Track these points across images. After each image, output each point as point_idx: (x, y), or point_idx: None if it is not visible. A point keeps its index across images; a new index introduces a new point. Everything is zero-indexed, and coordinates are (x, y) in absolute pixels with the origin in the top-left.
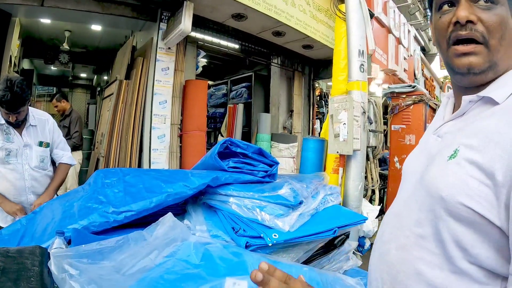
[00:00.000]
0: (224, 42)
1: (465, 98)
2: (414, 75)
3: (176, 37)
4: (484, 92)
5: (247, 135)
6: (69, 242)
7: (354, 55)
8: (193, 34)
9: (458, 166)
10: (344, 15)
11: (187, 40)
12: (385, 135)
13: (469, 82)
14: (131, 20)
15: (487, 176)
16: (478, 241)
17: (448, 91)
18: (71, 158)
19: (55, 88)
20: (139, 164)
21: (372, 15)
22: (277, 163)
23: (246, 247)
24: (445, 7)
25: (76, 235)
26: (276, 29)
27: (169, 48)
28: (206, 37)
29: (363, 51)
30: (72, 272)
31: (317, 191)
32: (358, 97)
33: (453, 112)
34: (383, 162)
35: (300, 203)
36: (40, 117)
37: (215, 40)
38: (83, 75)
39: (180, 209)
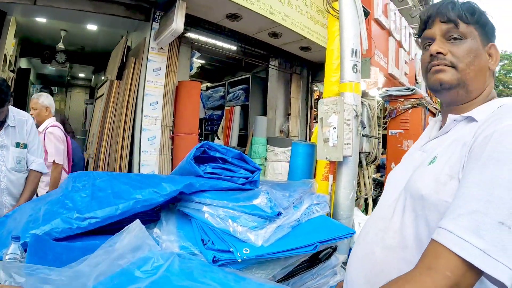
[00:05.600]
0: (220, 43)
1: (451, 117)
2: (415, 79)
3: (168, 37)
4: (468, 113)
5: (244, 138)
6: None
7: (347, 54)
8: (188, 34)
9: (434, 167)
10: (337, 13)
11: (181, 41)
12: (383, 140)
13: (448, 98)
14: (127, 20)
15: (454, 171)
16: None
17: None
18: (42, 165)
19: (51, 87)
20: (129, 166)
21: (367, 13)
22: (259, 169)
23: (214, 261)
24: (427, 46)
25: (34, 240)
26: (272, 30)
27: (162, 48)
28: (201, 38)
29: (356, 50)
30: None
31: (302, 200)
32: (351, 99)
33: None
34: (382, 168)
35: (279, 214)
36: (20, 118)
37: (211, 41)
38: (82, 75)
39: (155, 216)
